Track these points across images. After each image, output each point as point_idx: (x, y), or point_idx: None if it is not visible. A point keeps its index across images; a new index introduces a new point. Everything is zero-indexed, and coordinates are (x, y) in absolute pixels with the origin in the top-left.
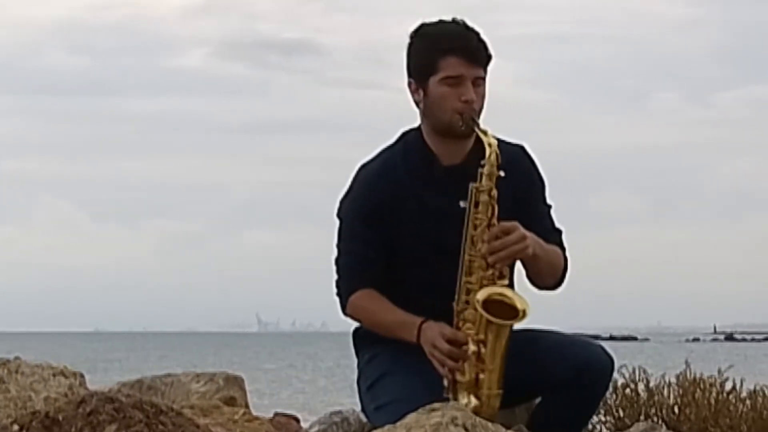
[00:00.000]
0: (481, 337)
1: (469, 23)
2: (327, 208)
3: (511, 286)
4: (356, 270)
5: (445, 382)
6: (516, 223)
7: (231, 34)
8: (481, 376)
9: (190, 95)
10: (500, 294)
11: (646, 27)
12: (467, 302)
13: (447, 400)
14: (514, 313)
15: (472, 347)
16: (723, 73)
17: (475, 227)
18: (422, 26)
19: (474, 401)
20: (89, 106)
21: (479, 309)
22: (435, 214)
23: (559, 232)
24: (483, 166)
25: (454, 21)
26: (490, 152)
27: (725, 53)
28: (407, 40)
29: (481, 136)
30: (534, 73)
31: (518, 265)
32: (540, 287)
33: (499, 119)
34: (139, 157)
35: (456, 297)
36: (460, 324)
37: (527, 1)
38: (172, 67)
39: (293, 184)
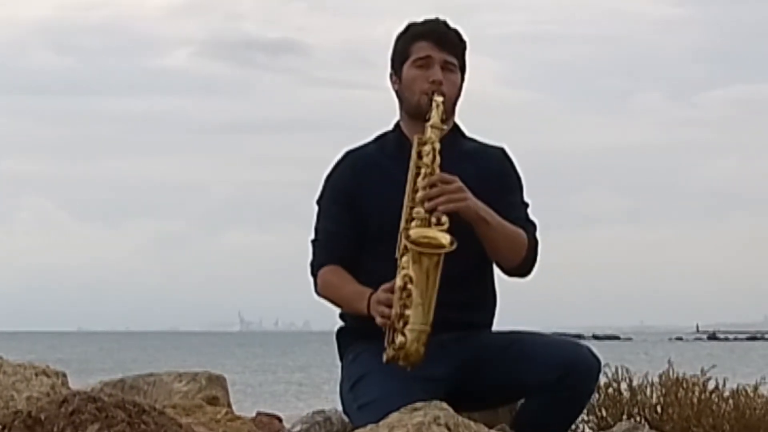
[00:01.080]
0: (409, 272)
1: (450, 23)
2: (309, 208)
3: (490, 271)
4: (326, 247)
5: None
6: (456, 178)
7: (215, 33)
8: (407, 311)
9: (173, 95)
10: (426, 236)
11: (629, 27)
12: (406, 248)
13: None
14: (441, 247)
15: (398, 282)
16: (706, 73)
17: (416, 176)
18: (407, 26)
19: (401, 338)
20: (73, 106)
21: (403, 240)
22: (403, 189)
23: (533, 224)
24: (428, 120)
25: (435, 18)
26: (435, 105)
27: (708, 53)
28: (393, 41)
29: (433, 97)
30: (516, 72)
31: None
32: (505, 270)
33: (482, 119)
34: (123, 156)
35: (397, 245)
36: (400, 272)
37: (510, 1)
38: (156, 67)
39: (276, 183)
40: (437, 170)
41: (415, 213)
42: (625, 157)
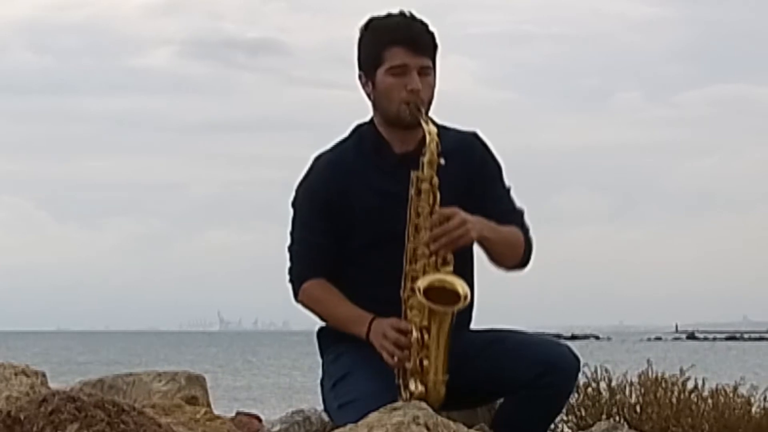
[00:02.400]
0: (425, 323)
1: (416, 14)
2: (289, 208)
3: (470, 275)
4: (308, 258)
5: (396, 371)
6: (456, 209)
7: (195, 33)
8: (425, 362)
9: (153, 95)
10: (441, 280)
11: (609, 26)
12: (413, 290)
13: (399, 387)
14: (456, 298)
15: (415, 334)
16: (685, 72)
17: (418, 215)
18: (370, 20)
19: (421, 387)
20: (52, 106)
21: (419, 296)
22: (387, 201)
23: (520, 212)
24: (424, 155)
25: (400, 13)
26: (430, 140)
27: (687, 53)
28: (357, 36)
29: (423, 124)
30: (496, 72)
31: (479, 251)
32: (504, 268)
33: (461, 118)
34: (102, 156)
35: (402, 285)
36: (408, 312)
37: (489, 0)
38: (136, 67)
39: (255, 183)
40: (437, 209)
41: (420, 254)
42: (604, 156)
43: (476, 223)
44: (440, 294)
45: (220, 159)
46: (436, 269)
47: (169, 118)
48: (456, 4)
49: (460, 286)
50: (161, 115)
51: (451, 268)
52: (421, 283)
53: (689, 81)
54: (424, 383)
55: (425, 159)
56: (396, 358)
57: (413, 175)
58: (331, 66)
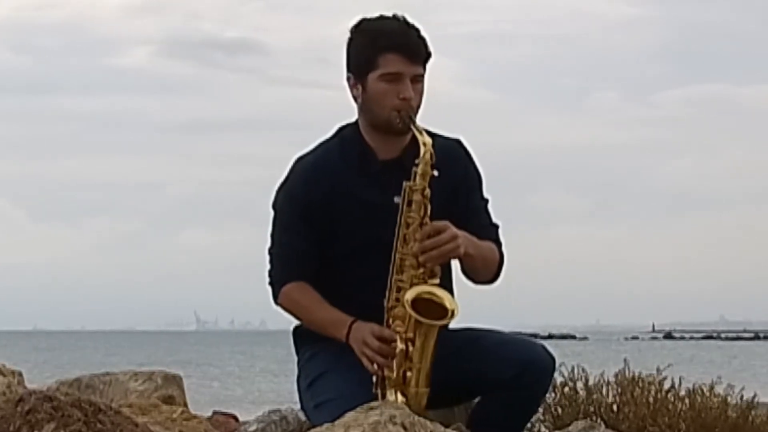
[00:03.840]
0: (410, 335)
1: (409, 19)
2: (266, 208)
3: (448, 281)
4: (290, 261)
5: (374, 379)
6: (447, 223)
7: (174, 33)
8: (409, 373)
9: (132, 94)
10: (429, 293)
11: (587, 26)
12: (397, 300)
13: (376, 396)
14: (443, 312)
15: (400, 345)
16: (663, 72)
17: (408, 226)
18: (362, 21)
19: (401, 398)
20: (31, 105)
21: (408, 308)
22: (371, 208)
23: (496, 227)
24: (417, 165)
25: (394, 17)
26: (425, 151)
27: (666, 53)
28: (347, 35)
29: (417, 134)
30: (474, 71)
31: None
32: (475, 282)
33: (440, 117)
34: (80, 155)
35: (387, 294)
36: (391, 321)
37: (468, 0)
38: (114, 67)
39: (233, 183)
40: (428, 220)
41: (408, 265)
42: (582, 156)
43: (464, 239)
44: (427, 306)
45: (198, 159)
46: (424, 281)
47: (148, 118)
48: (435, 4)
49: (449, 300)
50: (139, 114)
51: (438, 280)
52: (409, 294)
53: (667, 81)
54: (405, 394)
55: (418, 170)
56: (376, 366)
57: (405, 185)
58: (310, 65)
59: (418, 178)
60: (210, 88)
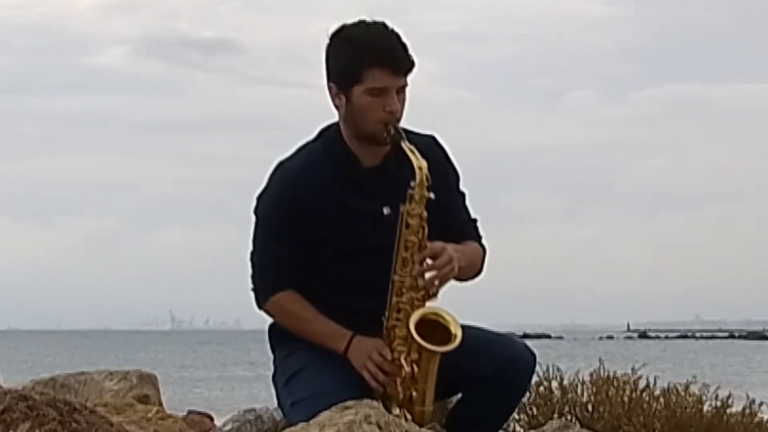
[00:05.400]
0: (414, 357)
1: (389, 24)
2: (241, 207)
3: None
4: (276, 270)
5: (377, 397)
6: (445, 245)
7: (149, 32)
8: (414, 394)
9: (107, 94)
10: (435, 314)
11: (561, 25)
12: (398, 320)
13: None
14: (447, 334)
15: (406, 368)
16: (638, 71)
17: (406, 249)
18: (343, 29)
19: (408, 416)
20: (5, 104)
21: (414, 336)
22: (356, 215)
23: (475, 221)
24: (413, 188)
25: (374, 23)
26: (421, 176)
27: (640, 51)
28: (326, 41)
29: (411, 156)
30: (449, 71)
31: None
32: (461, 281)
33: (414, 117)
34: (55, 155)
35: (386, 314)
36: (391, 339)
37: (443, 0)
38: (90, 66)
39: (209, 182)
40: (426, 243)
41: (407, 287)
42: (557, 156)
43: (456, 255)
44: (431, 327)
45: (173, 158)
46: (423, 303)
47: (123, 118)
48: (411, 3)
49: (453, 324)
50: (115, 114)
51: (437, 300)
52: (414, 318)
53: (642, 80)
54: (411, 413)
55: (415, 193)
56: (379, 383)
57: (402, 209)
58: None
59: (414, 202)
60: (186, 88)
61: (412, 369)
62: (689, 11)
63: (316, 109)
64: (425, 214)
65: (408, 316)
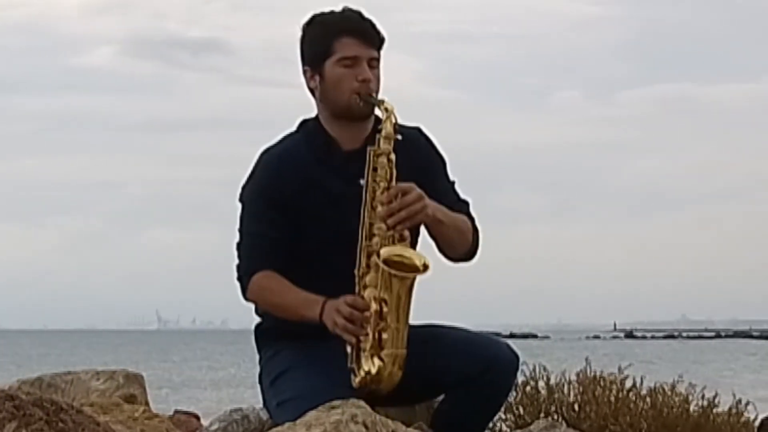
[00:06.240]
0: (383, 295)
1: (362, 12)
2: (229, 207)
3: (414, 244)
4: (258, 250)
5: (348, 349)
6: (412, 185)
7: (137, 32)
8: (384, 335)
9: (94, 94)
10: (399, 255)
11: (549, 25)
12: (368, 266)
13: (352, 372)
14: (415, 270)
15: (373, 306)
16: (626, 71)
17: (374, 190)
18: (314, 16)
19: (378, 363)
20: None
21: (379, 263)
22: (338, 199)
23: (466, 202)
24: (380, 130)
25: (344, 8)
26: (388, 115)
27: (628, 51)
28: (299, 33)
29: (377, 105)
30: (436, 71)
31: (429, 240)
32: (453, 258)
33: (402, 116)
34: (42, 155)
35: (357, 262)
36: (362, 290)
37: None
38: (77, 66)
39: (196, 182)
40: (394, 184)
41: (377, 229)
42: (544, 155)
43: (431, 202)
44: (399, 268)
45: (160, 158)
46: (393, 244)
47: (111, 117)
48: (397, 3)
49: (418, 257)
50: (103, 114)
51: (407, 243)
52: (381, 253)
53: (629, 80)
54: (381, 358)
55: (382, 134)
56: (350, 335)
57: (369, 149)
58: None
59: (382, 141)
60: (174, 88)
61: (381, 307)
62: (678, 11)
63: (303, 108)
64: (393, 156)
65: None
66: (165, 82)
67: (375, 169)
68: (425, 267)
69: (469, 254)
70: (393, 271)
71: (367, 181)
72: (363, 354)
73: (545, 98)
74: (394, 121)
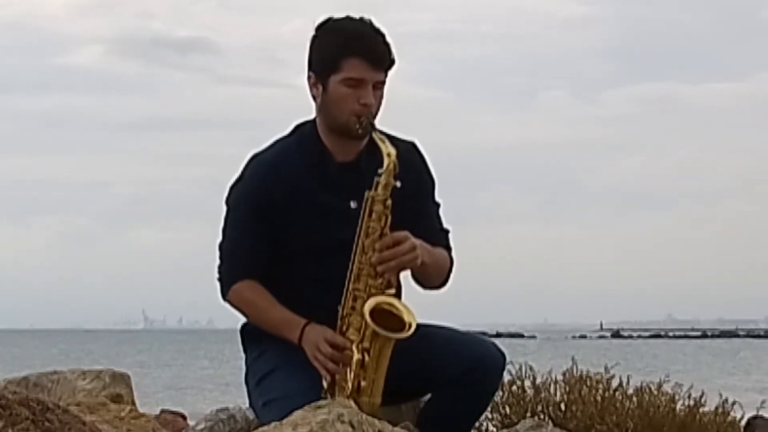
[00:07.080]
0: (366, 345)
1: (376, 23)
2: (216, 207)
3: (398, 287)
4: (240, 259)
5: (325, 384)
6: (407, 234)
7: (124, 32)
8: (363, 383)
9: (81, 93)
10: (389, 304)
11: (535, 24)
12: (353, 308)
13: (325, 396)
14: (401, 324)
15: (357, 355)
16: (612, 70)
17: (367, 235)
18: (329, 21)
19: (354, 407)
20: None
21: (367, 320)
22: (326, 211)
23: (446, 232)
24: (380, 175)
25: (361, 20)
26: (389, 162)
27: (614, 51)
28: (312, 33)
29: (380, 144)
30: (423, 70)
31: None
32: (426, 288)
33: (388, 116)
34: (29, 154)
35: (342, 302)
36: (344, 328)
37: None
38: (64, 65)
39: (182, 182)
40: (388, 231)
41: (364, 274)
42: (530, 154)
43: (422, 249)
44: (385, 317)
45: (147, 157)
46: (381, 291)
47: (98, 117)
48: (385, 2)
49: (407, 314)
50: (90, 113)
51: (394, 291)
52: (368, 305)
53: (615, 80)
54: (358, 404)
55: (381, 180)
56: (326, 372)
57: (367, 194)
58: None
59: (380, 188)
60: (161, 87)
61: (363, 357)
62: (663, 11)
63: (290, 108)
64: (390, 201)
65: (363, 304)
66: (152, 82)
67: (370, 214)
68: (410, 328)
69: (442, 285)
70: (380, 331)
71: (362, 224)
72: (339, 392)
73: (531, 97)
74: (392, 168)
